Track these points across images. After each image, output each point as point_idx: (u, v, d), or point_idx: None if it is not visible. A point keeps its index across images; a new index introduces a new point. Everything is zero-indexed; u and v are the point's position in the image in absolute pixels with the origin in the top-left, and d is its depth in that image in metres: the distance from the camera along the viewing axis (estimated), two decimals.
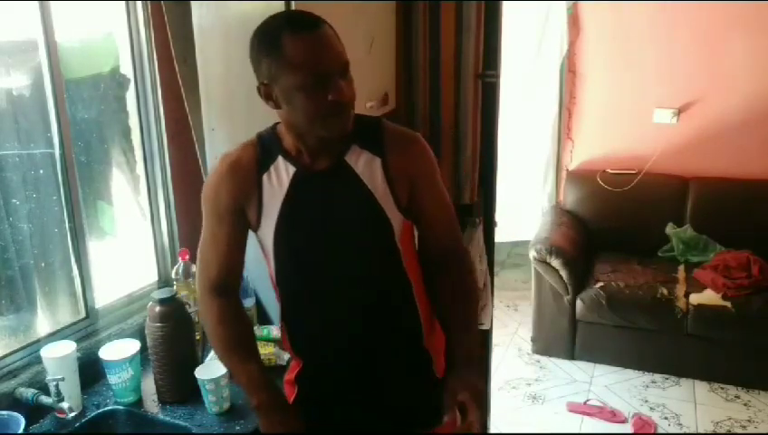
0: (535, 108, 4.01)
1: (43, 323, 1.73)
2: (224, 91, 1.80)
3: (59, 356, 1.51)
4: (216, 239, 1.36)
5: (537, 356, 3.55)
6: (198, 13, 1.76)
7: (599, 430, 2.95)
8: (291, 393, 1.46)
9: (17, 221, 1.67)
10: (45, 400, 1.47)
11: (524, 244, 3.62)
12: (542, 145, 4.04)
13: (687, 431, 2.91)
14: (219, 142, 1.82)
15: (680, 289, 3.27)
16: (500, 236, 2.71)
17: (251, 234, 1.38)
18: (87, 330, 1.76)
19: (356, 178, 1.30)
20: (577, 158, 4.03)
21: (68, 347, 1.54)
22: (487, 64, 2.18)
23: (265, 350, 1.73)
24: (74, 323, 1.75)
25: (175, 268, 1.83)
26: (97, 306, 1.81)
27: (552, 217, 3.82)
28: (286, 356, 1.73)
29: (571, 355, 3.47)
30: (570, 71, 3.91)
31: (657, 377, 3.32)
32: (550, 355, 3.52)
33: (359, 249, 1.33)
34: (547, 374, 3.39)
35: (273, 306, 1.48)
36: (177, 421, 1.54)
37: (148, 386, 1.64)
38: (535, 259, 3.38)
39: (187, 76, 1.86)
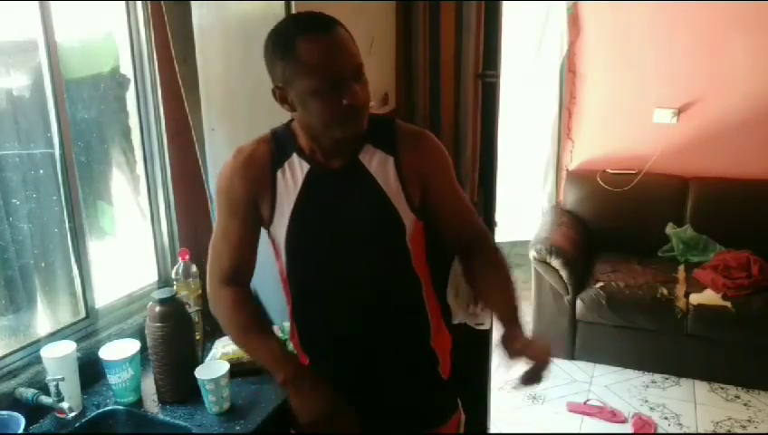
0: (535, 108, 4.01)
1: (43, 323, 1.73)
2: (224, 91, 1.80)
3: (59, 356, 1.51)
4: (228, 232, 1.36)
5: None
6: (198, 13, 1.76)
7: (599, 430, 2.95)
8: None
9: (17, 221, 1.67)
10: (45, 400, 1.47)
11: (524, 244, 3.62)
12: (542, 145, 4.04)
13: (687, 431, 2.91)
14: (219, 142, 1.83)
15: (680, 289, 3.27)
16: (500, 236, 2.70)
17: (261, 232, 1.39)
18: (87, 330, 1.76)
19: (369, 178, 1.31)
20: (577, 158, 4.03)
21: (68, 347, 1.54)
22: (487, 64, 2.18)
23: None
24: (74, 323, 1.75)
25: (175, 268, 1.83)
26: (97, 306, 1.80)
27: (552, 217, 3.82)
28: None
29: (571, 355, 3.47)
30: (570, 71, 3.91)
31: (657, 377, 3.32)
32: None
33: (370, 248, 1.34)
34: (547, 374, 3.38)
35: (273, 307, 1.48)
36: (177, 421, 1.54)
37: (148, 386, 1.64)
38: (535, 259, 3.38)
39: (187, 76, 1.86)
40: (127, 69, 1.91)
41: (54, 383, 1.45)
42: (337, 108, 1.20)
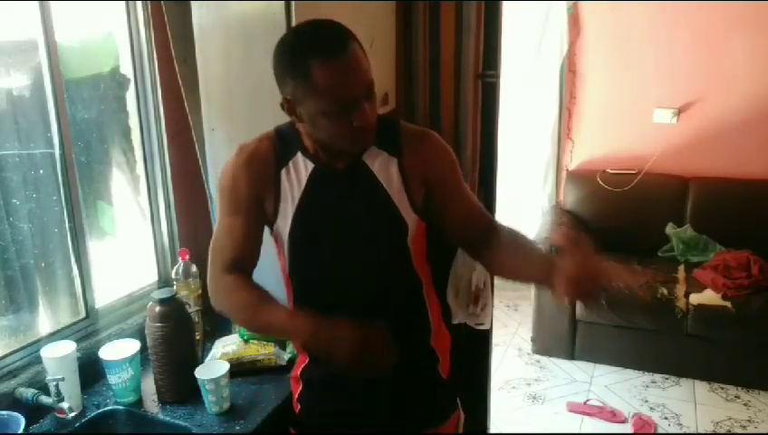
0: (535, 108, 4.01)
1: (43, 323, 1.73)
2: (224, 91, 1.80)
3: (59, 356, 1.51)
4: (232, 229, 1.34)
5: (537, 356, 3.55)
6: (198, 13, 1.76)
7: (599, 430, 2.95)
8: (296, 389, 1.48)
9: (17, 221, 1.67)
10: (45, 400, 1.47)
11: None
12: (542, 145, 4.03)
13: (687, 431, 2.91)
14: (219, 142, 1.83)
15: (680, 289, 3.27)
16: None
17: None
18: (87, 330, 1.76)
19: (373, 179, 1.32)
20: (577, 158, 4.03)
21: (68, 347, 1.54)
22: (487, 64, 2.17)
23: (265, 350, 1.73)
24: (74, 323, 1.75)
25: (175, 268, 1.83)
26: (97, 306, 1.80)
27: (552, 217, 3.82)
28: (286, 356, 1.74)
29: (571, 355, 3.48)
30: (570, 71, 3.91)
31: (657, 377, 3.32)
32: (550, 355, 3.53)
33: (371, 248, 1.34)
34: (547, 374, 3.39)
35: None
36: (177, 421, 1.54)
37: (148, 386, 1.64)
38: None
39: (187, 76, 1.86)
40: (127, 69, 1.91)
41: (54, 383, 1.45)
42: (347, 129, 1.21)
